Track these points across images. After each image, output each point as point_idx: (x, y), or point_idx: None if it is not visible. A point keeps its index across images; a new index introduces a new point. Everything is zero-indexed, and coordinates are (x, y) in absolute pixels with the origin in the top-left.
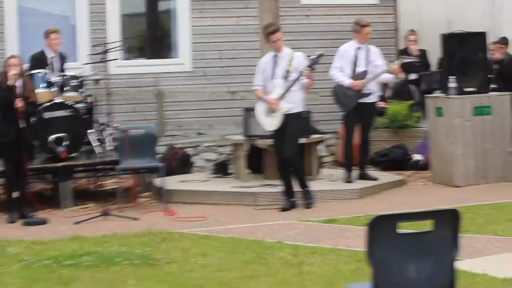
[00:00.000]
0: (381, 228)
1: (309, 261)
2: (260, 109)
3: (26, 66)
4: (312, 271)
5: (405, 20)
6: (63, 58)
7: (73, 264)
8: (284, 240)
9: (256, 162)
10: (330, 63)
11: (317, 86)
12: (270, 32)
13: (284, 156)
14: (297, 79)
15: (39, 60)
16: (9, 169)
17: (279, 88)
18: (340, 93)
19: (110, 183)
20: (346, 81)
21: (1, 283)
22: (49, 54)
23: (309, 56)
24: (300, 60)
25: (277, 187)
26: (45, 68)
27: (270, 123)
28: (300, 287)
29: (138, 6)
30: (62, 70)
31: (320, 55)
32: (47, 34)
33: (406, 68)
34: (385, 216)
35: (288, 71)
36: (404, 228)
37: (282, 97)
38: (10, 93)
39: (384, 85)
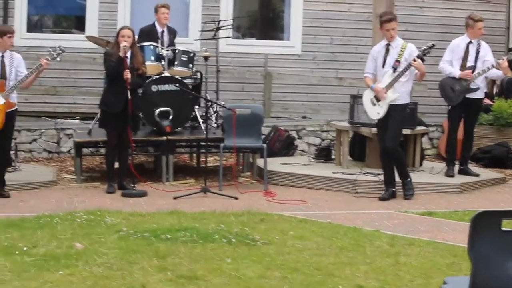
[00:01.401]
0: (485, 224)
1: (406, 252)
2: (367, 96)
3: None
4: (408, 262)
5: None
6: (173, 33)
7: (170, 239)
8: (382, 229)
9: (358, 149)
10: (440, 56)
11: (425, 78)
12: (385, 20)
13: (386, 146)
14: (406, 70)
15: (148, 34)
16: (112, 139)
17: (387, 77)
18: (447, 87)
19: (211, 160)
20: (456, 72)
21: (97, 253)
22: (159, 28)
23: (420, 48)
24: (411, 51)
25: (378, 175)
26: (154, 41)
27: (375, 111)
28: (395, 277)
29: None
30: (171, 44)
31: (431, 46)
32: (157, 8)
33: None
34: (489, 212)
35: (398, 61)
36: (504, 226)
37: (389, 86)
38: (120, 63)
39: (492, 82)
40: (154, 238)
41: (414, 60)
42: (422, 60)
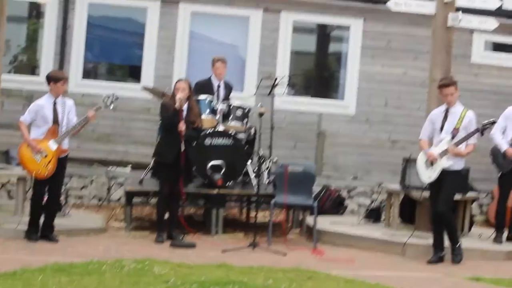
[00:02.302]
0: None
1: None
2: (421, 159)
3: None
4: None
5: None
6: (228, 87)
7: None
8: None
9: (408, 212)
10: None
11: (478, 143)
12: (443, 84)
13: (438, 211)
14: (464, 140)
15: (204, 87)
16: (164, 189)
17: (444, 144)
18: (498, 155)
19: (261, 216)
20: (504, 146)
21: None
22: (215, 82)
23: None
24: (470, 119)
25: (427, 239)
26: (210, 95)
27: (427, 174)
28: None
29: (309, 45)
30: (226, 98)
31: (493, 122)
32: (213, 62)
33: None
34: None
35: (456, 129)
36: None
37: (445, 153)
38: (176, 115)
39: None
40: None
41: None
42: (482, 134)
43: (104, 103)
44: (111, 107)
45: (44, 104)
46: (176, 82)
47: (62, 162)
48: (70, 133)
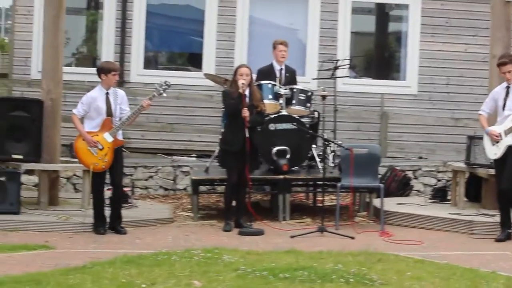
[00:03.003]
0: None
1: None
2: (487, 136)
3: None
4: None
5: None
6: (291, 72)
7: (288, 278)
8: (498, 271)
9: (474, 190)
10: None
11: None
12: (500, 63)
13: (502, 188)
14: None
15: (266, 73)
16: (231, 177)
17: (509, 121)
18: None
19: (327, 200)
20: None
21: None
22: (277, 66)
23: None
24: None
25: (494, 217)
26: (272, 80)
27: (493, 151)
28: None
29: (368, 25)
30: (289, 83)
31: None
32: (275, 45)
33: None
34: None
35: None
36: None
37: (509, 131)
38: (239, 101)
39: None
40: (272, 277)
41: None
42: None
43: (157, 90)
44: (165, 95)
45: (96, 96)
46: (237, 68)
47: (118, 153)
48: (125, 124)
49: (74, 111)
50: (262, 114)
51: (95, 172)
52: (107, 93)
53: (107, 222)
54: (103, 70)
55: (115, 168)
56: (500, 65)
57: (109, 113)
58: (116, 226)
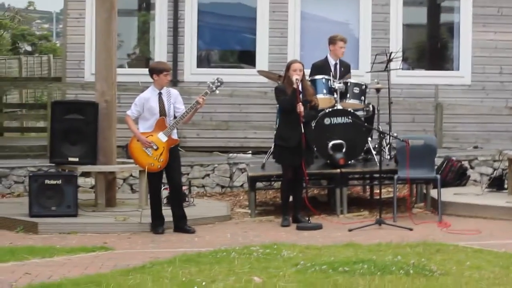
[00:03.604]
0: None
1: None
2: None
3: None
4: None
5: None
6: (345, 66)
7: (348, 271)
8: None
9: None
10: None
11: None
12: None
13: None
14: None
15: (321, 68)
16: (288, 173)
17: None
18: None
19: (384, 192)
20: None
21: (276, 286)
22: (332, 61)
23: None
24: None
25: None
26: (327, 75)
27: None
28: None
29: (420, 17)
30: (343, 77)
31: None
32: (335, 40)
33: None
34: None
35: None
36: None
37: None
38: (294, 97)
39: None
40: (332, 270)
41: None
42: None
43: (209, 88)
44: (217, 92)
45: (149, 96)
46: (290, 64)
47: (174, 152)
48: (179, 123)
49: (128, 112)
50: (315, 108)
51: (151, 172)
52: (160, 93)
53: (165, 222)
54: (154, 71)
55: (172, 167)
56: None
57: (163, 113)
58: (182, 225)
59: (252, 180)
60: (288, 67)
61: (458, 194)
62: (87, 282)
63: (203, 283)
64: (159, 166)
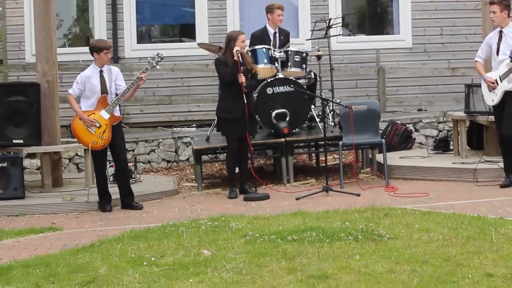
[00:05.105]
0: None
1: None
2: (485, 83)
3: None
4: None
5: None
6: (284, 34)
7: (297, 240)
8: (506, 216)
9: (476, 138)
10: None
11: None
12: (488, 2)
13: (503, 134)
14: None
15: (260, 37)
16: (232, 145)
17: (504, 66)
18: None
19: (330, 159)
20: None
21: (226, 258)
22: (271, 29)
23: None
24: None
25: (497, 163)
26: (266, 44)
27: (490, 98)
28: None
29: None
30: (283, 45)
31: None
32: (272, 9)
33: None
34: None
35: None
36: None
37: (505, 75)
38: (236, 68)
39: None
40: (281, 240)
41: None
42: None
43: (149, 63)
44: (158, 67)
45: (90, 74)
46: (237, 36)
47: (117, 129)
48: (121, 99)
49: (70, 91)
50: (255, 77)
51: (95, 150)
52: (101, 71)
53: (112, 199)
54: (94, 49)
55: (116, 144)
56: (489, 4)
57: (104, 90)
58: (129, 202)
59: (198, 154)
60: (235, 39)
61: (404, 158)
62: (37, 263)
63: (152, 259)
64: (102, 144)
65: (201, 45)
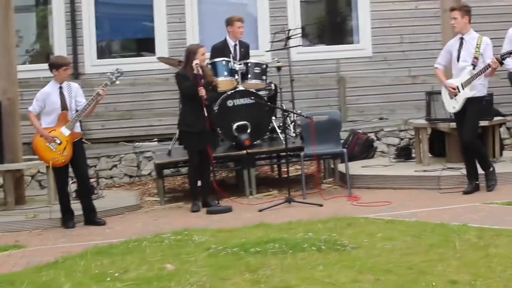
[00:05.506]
0: None
1: (495, 243)
2: (445, 90)
3: (207, 55)
4: (499, 253)
5: None
6: (245, 46)
7: (260, 251)
8: (469, 222)
9: (438, 145)
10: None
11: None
12: (450, 8)
13: (465, 140)
14: (486, 69)
15: (221, 50)
16: (194, 158)
17: (466, 73)
18: None
19: (292, 170)
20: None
21: (189, 272)
22: (231, 42)
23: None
24: (487, 45)
25: (459, 170)
26: (227, 57)
27: (451, 105)
28: (487, 269)
29: None
30: (243, 58)
31: (511, 52)
32: (232, 21)
33: None
34: None
35: (476, 58)
36: None
37: (467, 83)
38: (195, 82)
39: None
40: (244, 252)
41: (492, 62)
42: (501, 63)
43: (109, 79)
44: (117, 82)
45: (50, 91)
46: (197, 49)
47: (78, 145)
48: (81, 116)
49: (30, 108)
50: (216, 90)
51: (57, 167)
52: (60, 87)
53: (75, 215)
54: (54, 66)
55: (77, 160)
56: (450, 10)
57: (64, 107)
58: (93, 218)
59: (159, 168)
60: (194, 52)
61: (366, 167)
62: (1, 281)
63: (116, 274)
64: (63, 160)
65: (161, 59)
